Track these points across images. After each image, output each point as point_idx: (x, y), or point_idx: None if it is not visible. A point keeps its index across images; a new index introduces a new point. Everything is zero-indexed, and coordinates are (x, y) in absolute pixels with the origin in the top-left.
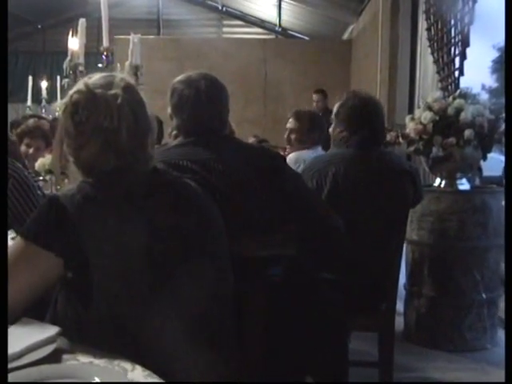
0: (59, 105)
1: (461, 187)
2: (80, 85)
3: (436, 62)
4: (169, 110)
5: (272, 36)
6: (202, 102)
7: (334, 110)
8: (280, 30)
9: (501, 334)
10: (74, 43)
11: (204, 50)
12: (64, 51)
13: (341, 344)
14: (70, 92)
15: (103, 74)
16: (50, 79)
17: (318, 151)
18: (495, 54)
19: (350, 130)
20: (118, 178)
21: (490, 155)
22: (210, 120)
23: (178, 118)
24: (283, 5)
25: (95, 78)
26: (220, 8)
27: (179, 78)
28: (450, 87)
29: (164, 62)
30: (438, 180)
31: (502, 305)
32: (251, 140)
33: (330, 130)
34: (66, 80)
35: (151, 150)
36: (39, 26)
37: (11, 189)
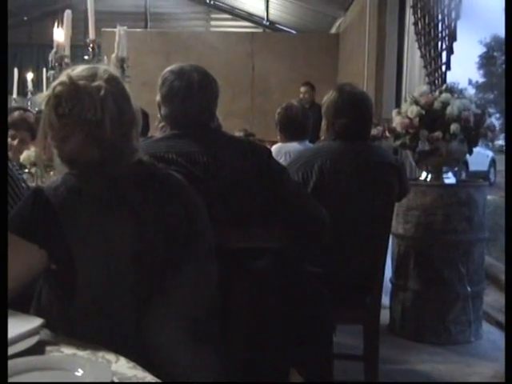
0: (42, 97)
1: (447, 181)
2: (63, 77)
3: (423, 56)
4: (157, 98)
5: (260, 30)
6: (193, 95)
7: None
8: (268, 23)
9: (485, 327)
10: (60, 35)
11: (191, 43)
12: (50, 43)
13: (326, 337)
14: (53, 84)
15: (86, 66)
16: (36, 71)
17: (306, 144)
18: (482, 50)
19: (337, 123)
20: (102, 169)
21: (475, 150)
22: (198, 113)
23: (167, 109)
24: None
25: (78, 69)
26: (208, 1)
27: (171, 67)
28: (436, 82)
29: (151, 55)
30: (424, 174)
31: (486, 298)
32: (239, 134)
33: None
34: (52, 72)
35: (136, 142)
36: (25, 18)
37: None
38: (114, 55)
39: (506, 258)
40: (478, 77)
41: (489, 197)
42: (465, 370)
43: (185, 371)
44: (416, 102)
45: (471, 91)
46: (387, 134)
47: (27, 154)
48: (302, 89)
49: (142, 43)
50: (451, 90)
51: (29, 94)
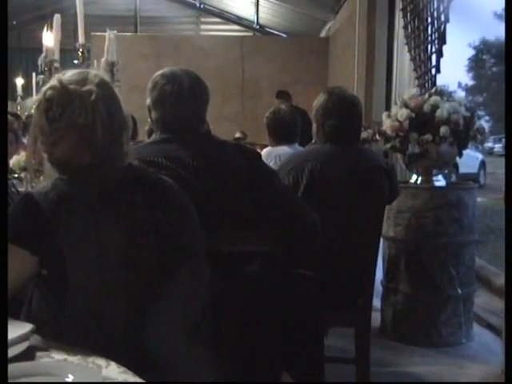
0: (32, 101)
1: (437, 184)
2: (54, 81)
3: (413, 59)
4: (148, 102)
5: (250, 33)
6: (184, 99)
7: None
8: (258, 27)
9: (476, 329)
10: (49, 39)
11: (181, 47)
12: (39, 48)
13: (317, 340)
14: (44, 88)
15: (77, 70)
16: (26, 76)
17: (295, 147)
18: (471, 53)
19: (326, 126)
20: (92, 174)
21: (465, 152)
22: (188, 117)
23: (158, 113)
24: (261, 2)
25: (69, 74)
26: (198, 5)
27: (162, 71)
28: (426, 84)
29: (141, 59)
30: (414, 176)
31: (477, 300)
32: (238, 135)
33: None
34: (41, 76)
35: (126, 147)
36: (14, 22)
37: None
38: (103, 59)
39: (506, 261)
40: (467, 80)
41: (479, 199)
42: (456, 372)
43: (178, 374)
44: (406, 105)
45: (461, 94)
46: (377, 136)
47: (17, 159)
48: (276, 102)
49: (131, 47)
50: (441, 92)
51: (18, 98)
